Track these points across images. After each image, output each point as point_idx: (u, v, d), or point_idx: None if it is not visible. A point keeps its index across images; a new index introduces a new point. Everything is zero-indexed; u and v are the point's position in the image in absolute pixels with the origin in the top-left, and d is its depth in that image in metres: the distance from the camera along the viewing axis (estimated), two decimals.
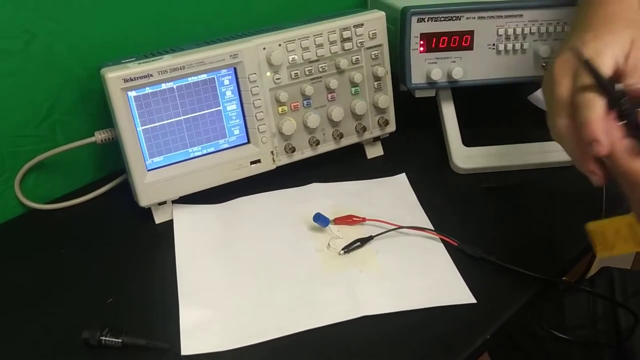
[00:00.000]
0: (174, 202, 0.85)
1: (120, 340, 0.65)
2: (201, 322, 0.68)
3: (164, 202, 0.84)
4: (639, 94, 0.50)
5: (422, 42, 0.87)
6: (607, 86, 0.51)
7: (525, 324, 0.93)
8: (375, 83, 0.90)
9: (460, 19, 0.86)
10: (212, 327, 0.67)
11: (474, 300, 0.68)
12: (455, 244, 0.75)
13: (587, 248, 0.79)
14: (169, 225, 0.84)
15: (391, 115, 0.93)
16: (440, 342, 0.65)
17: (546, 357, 0.93)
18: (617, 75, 0.53)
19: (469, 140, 0.91)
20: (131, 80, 0.75)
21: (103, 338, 0.65)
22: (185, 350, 0.65)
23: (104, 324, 0.66)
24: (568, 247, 0.76)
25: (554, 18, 0.87)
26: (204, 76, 0.81)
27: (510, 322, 0.68)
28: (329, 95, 0.88)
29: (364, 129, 0.91)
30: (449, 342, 0.64)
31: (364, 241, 0.77)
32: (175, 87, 0.79)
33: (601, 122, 0.51)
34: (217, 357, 0.64)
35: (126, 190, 0.84)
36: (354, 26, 0.86)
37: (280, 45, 0.83)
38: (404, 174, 0.90)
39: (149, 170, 0.81)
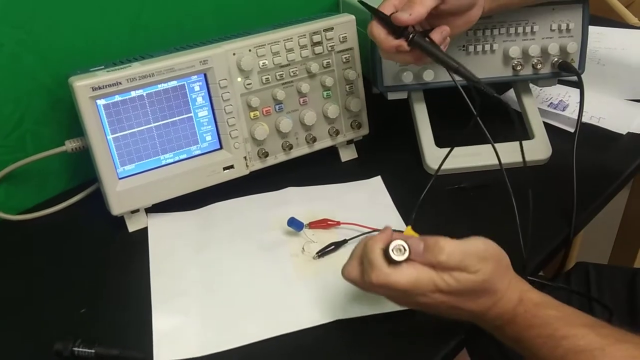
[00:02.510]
0: (148, 209, 0.84)
1: (92, 351, 0.65)
2: (174, 328, 0.68)
3: (137, 210, 0.83)
4: (403, 22, 0.71)
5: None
6: (385, 19, 0.73)
7: None
8: (347, 86, 0.90)
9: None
10: (185, 334, 0.67)
11: None
12: None
13: (560, 245, 0.80)
14: (142, 233, 0.83)
15: (364, 118, 0.93)
16: (415, 344, 0.65)
17: None
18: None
19: (442, 141, 0.91)
20: (100, 88, 0.75)
21: (76, 349, 0.64)
22: (158, 357, 0.64)
23: (76, 335, 0.65)
24: (541, 244, 0.77)
25: (523, 18, 0.87)
26: (174, 83, 0.80)
27: None
28: (301, 100, 0.88)
29: (337, 132, 0.91)
30: (424, 343, 0.65)
31: (338, 245, 0.77)
32: (145, 94, 0.79)
33: (384, 39, 0.74)
34: None
35: (99, 199, 0.84)
36: (324, 30, 0.86)
37: (250, 50, 0.83)
38: (379, 177, 0.90)
39: (120, 179, 0.80)
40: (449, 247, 0.57)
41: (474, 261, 0.57)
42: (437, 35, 0.74)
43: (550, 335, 0.57)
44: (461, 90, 0.75)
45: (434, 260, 0.57)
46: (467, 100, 0.76)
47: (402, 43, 0.73)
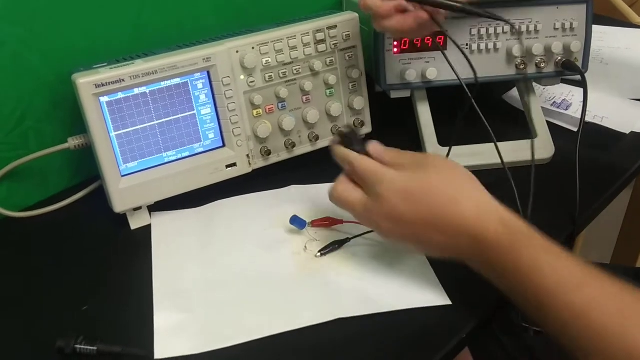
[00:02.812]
0: (150, 207, 0.84)
1: (95, 348, 0.64)
2: (176, 325, 0.68)
3: (140, 208, 0.83)
4: None
5: (396, 43, 0.88)
6: None
7: (504, 318, 0.94)
8: (350, 84, 0.90)
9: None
10: (187, 331, 0.67)
11: (449, 302, 0.68)
12: None
13: (562, 244, 0.80)
14: (144, 230, 0.83)
15: (367, 117, 0.93)
16: (416, 343, 0.65)
17: (525, 350, 0.94)
18: None
19: (444, 140, 0.91)
20: (103, 85, 0.75)
21: (78, 346, 0.64)
22: (158, 354, 0.64)
23: (79, 332, 0.65)
24: None
25: (526, 17, 0.87)
26: (177, 80, 0.80)
27: (485, 321, 0.68)
28: (304, 98, 0.88)
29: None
30: (425, 343, 0.65)
31: (340, 243, 0.77)
32: (148, 91, 0.79)
33: (379, 4, 0.72)
34: None
35: (101, 196, 0.84)
36: (327, 28, 0.86)
37: (253, 48, 0.83)
38: None
39: (123, 176, 0.80)
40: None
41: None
42: None
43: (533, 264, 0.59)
44: (466, 86, 0.74)
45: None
46: (466, 88, 0.75)
47: (400, 1, 0.71)
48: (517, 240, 0.61)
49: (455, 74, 0.81)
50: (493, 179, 0.84)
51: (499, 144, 0.90)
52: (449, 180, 0.66)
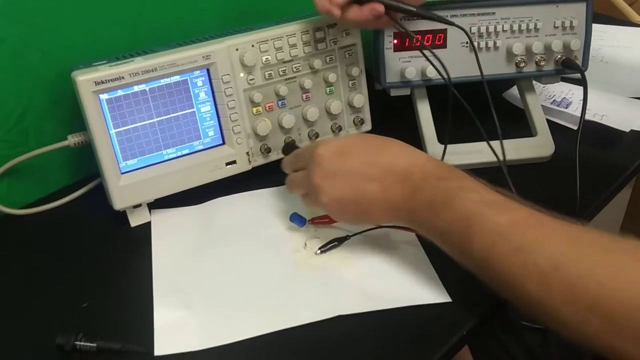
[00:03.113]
0: (150, 204, 0.84)
1: (94, 345, 0.64)
2: (176, 322, 0.68)
3: (139, 205, 0.83)
4: None
5: (395, 41, 0.88)
6: None
7: (504, 316, 0.94)
8: (350, 82, 0.90)
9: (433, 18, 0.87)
10: (187, 327, 0.67)
11: (449, 299, 0.68)
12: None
13: None
14: (144, 228, 0.83)
15: (367, 114, 0.93)
16: (416, 340, 0.65)
17: (524, 348, 0.94)
18: None
19: (444, 137, 0.91)
20: (102, 82, 0.75)
21: (77, 343, 0.64)
22: (158, 351, 0.64)
23: (78, 329, 0.65)
24: None
25: (526, 15, 0.87)
26: (176, 78, 0.80)
27: (485, 319, 0.68)
28: (304, 95, 0.88)
29: (340, 128, 0.91)
30: (425, 340, 0.65)
31: (340, 241, 0.77)
32: (147, 89, 0.79)
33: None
34: (192, 357, 0.64)
35: (101, 193, 0.84)
36: (327, 26, 0.86)
37: (253, 46, 0.83)
38: None
39: (122, 173, 0.80)
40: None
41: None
42: None
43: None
44: (448, 84, 0.74)
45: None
46: (453, 88, 0.76)
47: None
48: (446, 169, 0.67)
49: (441, 73, 0.83)
50: (493, 176, 0.85)
51: (498, 142, 0.90)
52: (375, 137, 0.73)
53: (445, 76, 0.82)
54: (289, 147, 0.87)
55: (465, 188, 0.64)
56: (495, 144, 0.90)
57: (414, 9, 0.79)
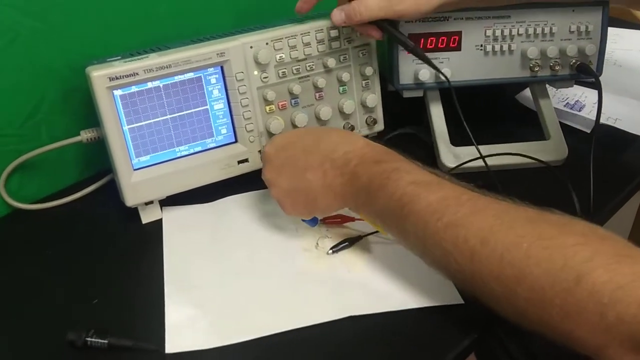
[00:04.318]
0: (162, 202, 0.84)
1: (106, 342, 0.64)
2: (187, 320, 0.68)
3: (151, 202, 0.83)
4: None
5: (413, 43, 0.87)
6: None
7: (510, 323, 0.93)
8: (363, 82, 0.90)
9: (448, 20, 0.86)
10: (197, 326, 0.67)
11: (461, 301, 0.68)
12: None
13: None
14: (155, 225, 0.83)
15: (379, 114, 0.93)
16: (427, 342, 0.65)
17: (530, 356, 0.93)
18: None
19: (457, 139, 0.90)
20: (117, 78, 0.75)
21: (89, 339, 0.64)
22: (169, 349, 0.64)
23: (89, 326, 0.65)
24: None
25: (542, 19, 0.87)
26: (190, 75, 0.80)
27: (497, 322, 0.68)
28: (317, 94, 0.88)
29: (352, 128, 0.91)
30: (437, 342, 0.64)
31: (352, 241, 0.77)
32: (161, 85, 0.79)
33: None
34: (202, 355, 0.64)
35: (113, 189, 0.84)
36: None
37: (267, 44, 0.82)
38: None
39: (135, 170, 0.80)
40: None
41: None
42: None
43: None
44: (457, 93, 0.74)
45: None
46: (453, 91, 0.75)
47: None
48: (382, 152, 0.69)
49: (445, 77, 0.86)
50: (506, 179, 0.84)
51: (512, 144, 0.90)
52: (317, 128, 0.82)
53: (442, 80, 0.86)
54: None
55: (399, 169, 0.66)
56: (509, 146, 0.90)
57: (412, 45, 0.83)
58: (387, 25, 0.82)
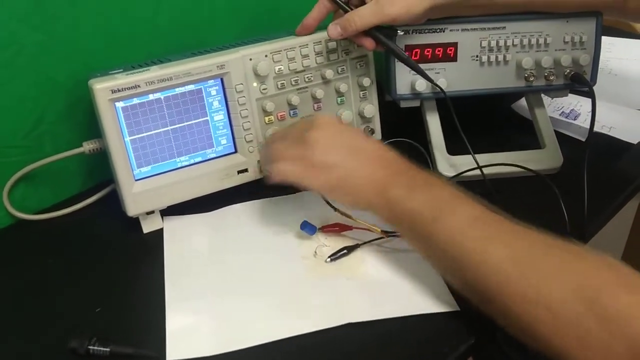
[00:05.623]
0: (162, 211, 0.86)
1: (108, 349, 0.65)
2: (187, 328, 0.69)
3: (152, 212, 0.84)
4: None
5: (406, 54, 0.89)
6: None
7: None
8: (361, 92, 0.92)
9: (444, 31, 0.88)
10: (198, 333, 0.68)
11: (457, 308, 0.69)
12: None
13: None
14: (156, 234, 0.84)
15: (377, 125, 0.94)
16: (424, 349, 0.65)
17: None
18: None
19: (454, 148, 0.92)
20: (119, 91, 0.76)
21: (91, 347, 0.65)
22: (170, 356, 0.65)
23: (91, 334, 0.66)
24: None
25: (536, 30, 0.88)
26: (191, 87, 0.82)
27: (493, 329, 0.69)
28: (315, 105, 0.89)
29: None
30: (433, 349, 0.65)
31: (350, 249, 0.78)
32: (162, 97, 0.80)
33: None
34: None
35: (114, 200, 0.85)
36: None
37: (266, 56, 0.84)
38: None
39: (136, 180, 0.82)
40: None
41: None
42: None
43: None
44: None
45: None
46: (450, 102, 0.77)
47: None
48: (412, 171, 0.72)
49: (439, 87, 0.88)
50: (502, 188, 0.86)
51: (508, 153, 0.91)
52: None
53: (438, 90, 0.88)
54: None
55: (443, 181, 0.71)
56: (505, 155, 0.91)
57: (405, 56, 0.86)
58: (381, 37, 0.83)
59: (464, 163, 0.89)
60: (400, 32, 0.84)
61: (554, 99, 1.06)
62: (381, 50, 0.86)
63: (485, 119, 1.05)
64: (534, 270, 0.57)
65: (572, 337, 0.53)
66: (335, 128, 0.76)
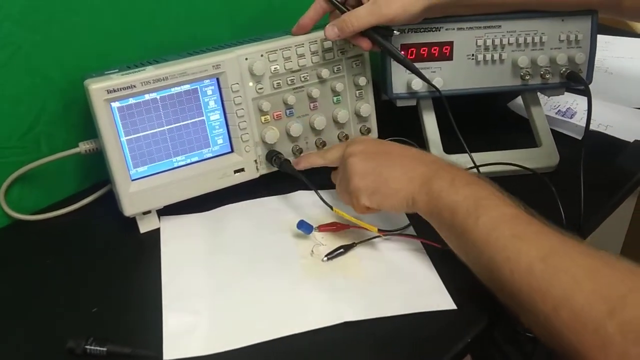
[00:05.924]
0: (159, 211, 0.86)
1: (104, 349, 0.65)
2: (184, 327, 0.69)
3: (149, 212, 0.84)
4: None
5: (402, 53, 0.89)
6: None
7: (506, 327, 0.94)
8: (357, 92, 0.92)
9: (439, 30, 0.88)
10: (196, 332, 0.68)
11: (454, 307, 0.69)
12: (439, 246, 0.75)
13: None
14: (153, 234, 0.84)
15: (373, 124, 0.94)
16: (421, 347, 0.66)
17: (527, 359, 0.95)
18: None
19: (450, 147, 0.92)
20: (114, 91, 0.76)
21: (88, 347, 0.65)
22: (167, 355, 0.65)
23: (88, 334, 0.66)
24: None
25: (532, 28, 0.88)
26: (187, 87, 0.81)
27: (490, 326, 0.69)
28: (311, 104, 0.89)
29: (347, 137, 0.92)
30: (430, 347, 0.65)
31: (347, 248, 0.78)
32: (158, 97, 0.80)
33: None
34: None
35: (111, 200, 0.85)
36: None
37: (262, 55, 0.84)
38: None
39: (133, 180, 0.82)
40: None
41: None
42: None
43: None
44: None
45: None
46: (445, 100, 0.77)
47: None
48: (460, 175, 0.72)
49: (435, 87, 0.88)
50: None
51: (504, 152, 0.91)
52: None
53: (433, 89, 0.88)
54: (282, 163, 0.87)
55: (484, 179, 0.71)
56: (501, 153, 0.91)
57: (402, 56, 0.85)
58: (378, 38, 0.83)
59: (461, 162, 0.88)
60: (396, 32, 0.84)
61: (550, 97, 1.06)
62: (377, 50, 0.86)
63: (481, 118, 1.05)
64: (563, 272, 0.57)
65: (592, 341, 0.53)
66: (370, 141, 0.81)
